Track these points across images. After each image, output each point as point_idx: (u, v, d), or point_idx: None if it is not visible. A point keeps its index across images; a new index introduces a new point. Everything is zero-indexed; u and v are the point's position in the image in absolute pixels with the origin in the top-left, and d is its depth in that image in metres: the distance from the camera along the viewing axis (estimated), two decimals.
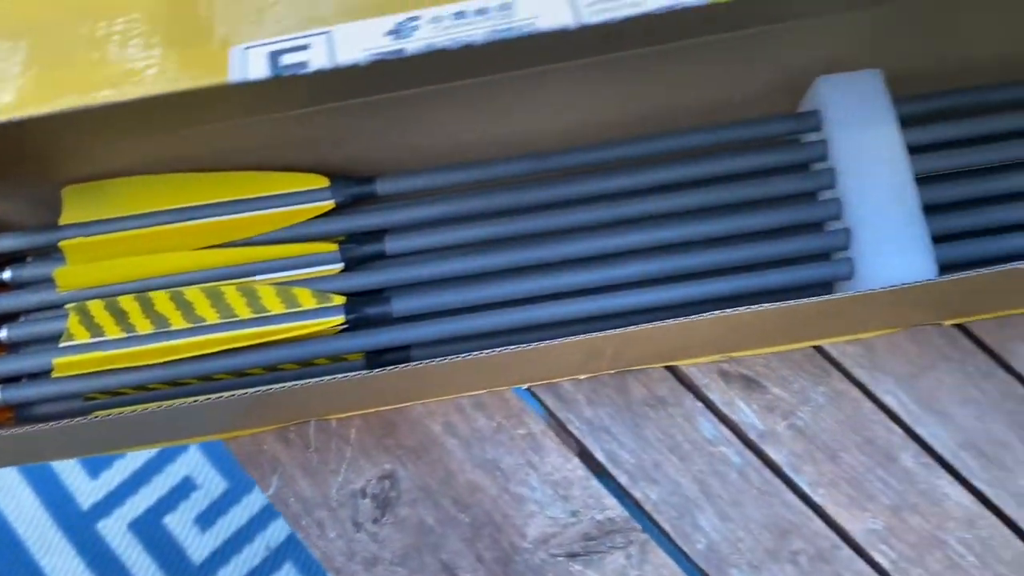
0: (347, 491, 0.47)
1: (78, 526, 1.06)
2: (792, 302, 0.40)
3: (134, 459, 1.08)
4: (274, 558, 1.03)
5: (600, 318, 0.47)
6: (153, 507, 1.06)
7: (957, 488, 0.46)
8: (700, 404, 0.48)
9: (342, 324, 0.45)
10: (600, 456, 0.47)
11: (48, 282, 0.48)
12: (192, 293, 0.46)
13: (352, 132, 0.48)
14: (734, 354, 0.49)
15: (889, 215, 0.45)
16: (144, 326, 0.45)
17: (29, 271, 0.48)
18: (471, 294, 0.47)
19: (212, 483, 1.07)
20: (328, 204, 0.48)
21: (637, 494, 0.46)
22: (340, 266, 0.47)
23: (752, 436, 0.47)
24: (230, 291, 0.46)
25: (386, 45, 0.29)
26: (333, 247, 0.47)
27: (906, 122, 0.46)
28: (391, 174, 0.49)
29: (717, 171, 0.48)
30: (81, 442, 0.45)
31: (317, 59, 0.29)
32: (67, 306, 0.46)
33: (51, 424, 0.40)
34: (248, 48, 0.30)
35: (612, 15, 0.29)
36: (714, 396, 0.48)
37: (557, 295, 0.47)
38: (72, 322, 0.45)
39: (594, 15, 0.30)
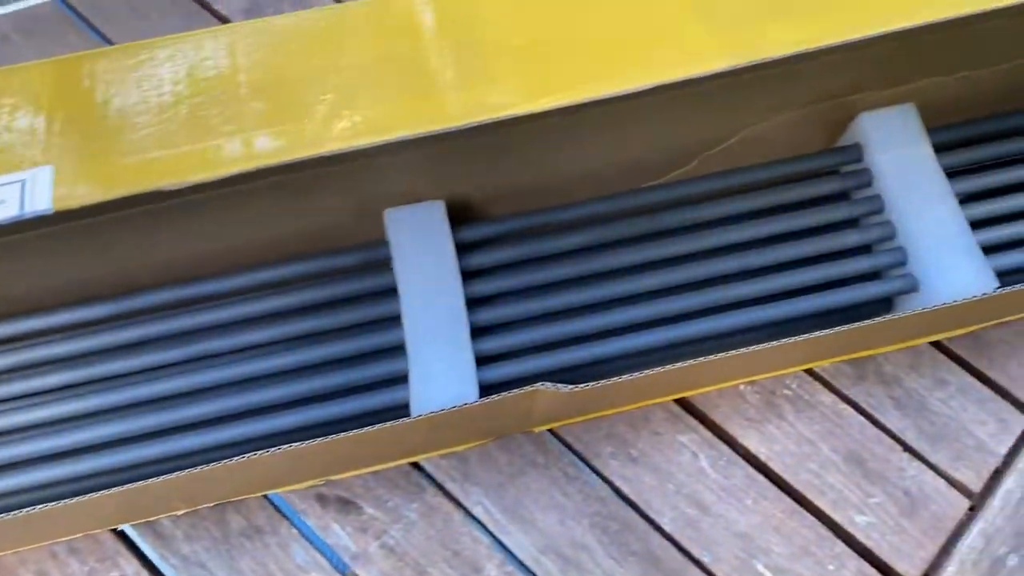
0: None
1: None
2: (367, 429, 0.41)
3: None
4: None
5: (197, 452, 0.48)
6: None
7: None
8: (295, 531, 0.49)
9: None
10: None
11: None
12: None
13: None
14: (332, 477, 0.50)
15: None
16: None
17: None
18: (57, 441, 0.47)
19: None
20: None
21: None
22: None
23: (345, 558, 0.49)
24: None
25: None
26: None
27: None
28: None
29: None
30: None
31: None
32: None
33: None
34: None
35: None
36: (310, 521, 0.49)
37: (145, 435, 0.48)
38: None
39: None
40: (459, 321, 0.47)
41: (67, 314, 0.49)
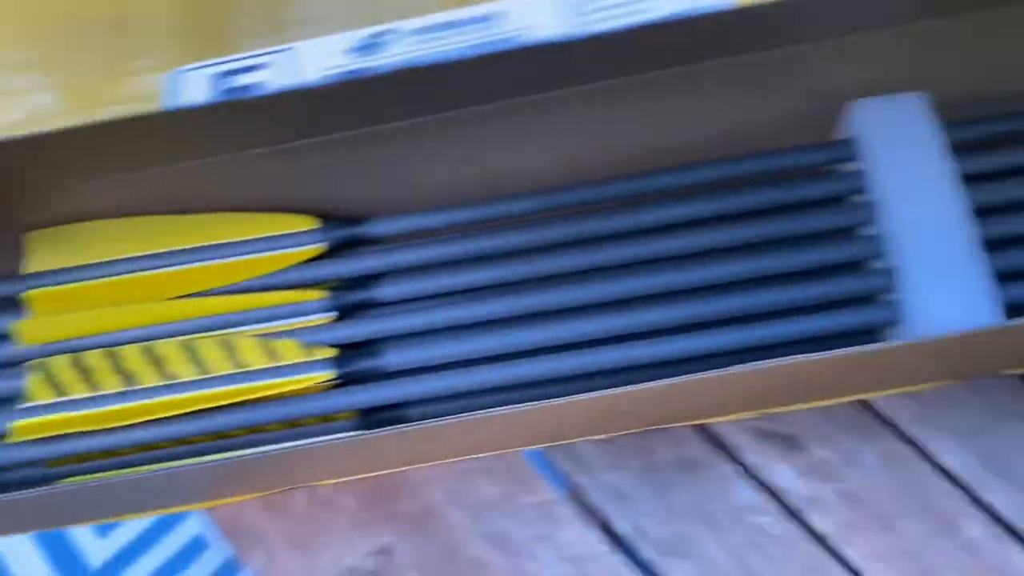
0: (339, 567, 0.42)
1: None
2: (835, 352, 0.35)
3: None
4: None
5: (618, 371, 0.42)
6: (165, 567, 1.02)
7: None
8: (735, 467, 0.43)
9: (331, 379, 0.41)
10: (623, 528, 0.42)
11: (5, 337, 0.44)
12: (165, 347, 0.41)
13: (342, 169, 0.44)
14: (770, 410, 0.44)
15: (940, 252, 0.39)
16: (112, 384, 0.40)
17: None
18: (473, 345, 0.42)
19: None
20: (317, 248, 0.43)
21: (666, 571, 0.41)
22: (329, 315, 0.43)
23: (795, 503, 0.42)
24: (207, 345, 0.41)
25: (351, 63, 0.25)
26: (322, 295, 0.43)
27: (957, 149, 0.41)
28: (385, 214, 0.45)
29: (743, 206, 0.43)
30: (39, 515, 0.41)
31: (277, 79, 0.25)
32: (27, 364, 0.42)
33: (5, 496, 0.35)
34: (188, 71, 0.26)
35: (613, 24, 0.25)
36: (750, 458, 0.43)
37: (569, 346, 0.42)
38: (33, 381, 0.41)
39: (593, 24, 0.25)
40: (961, 229, 0.40)
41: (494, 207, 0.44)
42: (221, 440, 0.42)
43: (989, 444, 0.42)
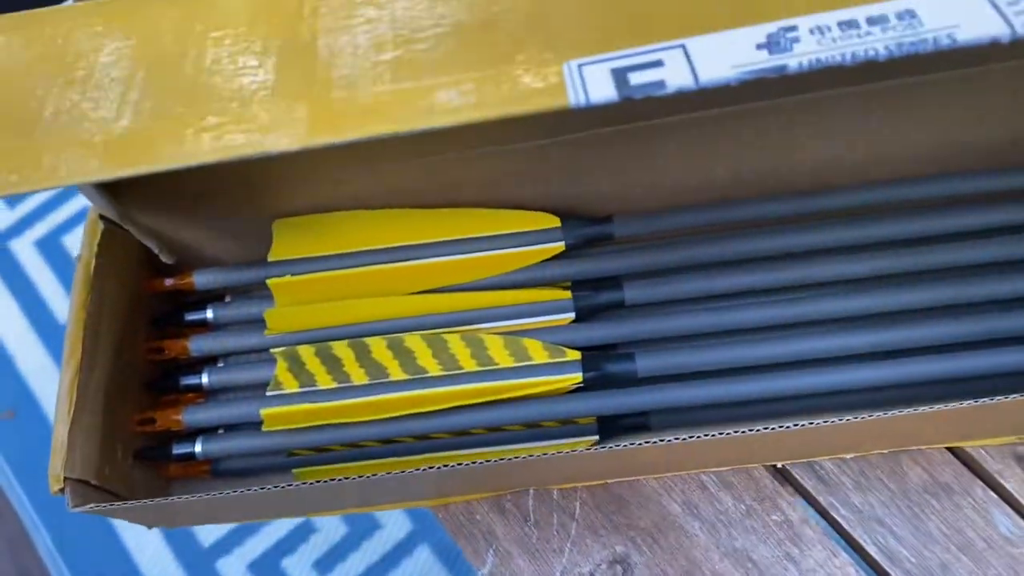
0: (573, 574, 0.41)
1: (198, 563, 1.03)
2: None
3: None
4: None
5: (875, 389, 0.40)
6: (272, 548, 1.03)
7: None
8: (994, 494, 0.41)
9: (578, 383, 0.40)
10: (873, 551, 0.40)
11: (251, 324, 0.43)
12: (412, 341, 0.40)
13: (588, 167, 0.43)
14: None
15: None
16: (359, 376, 0.40)
17: (233, 310, 0.44)
18: (725, 354, 0.40)
19: (332, 527, 1.03)
20: (558, 246, 0.42)
21: None
22: (572, 315, 0.42)
23: None
24: (454, 340, 0.40)
25: (763, 61, 0.24)
26: (566, 294, 0.42)
27: None
28: (629, 214, 0.43)
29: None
30: (274, 506, 0.41)
31: (675, 78, 0.24)
32: (275, 351, 0.41)
33: (252, 489, 0.35)
34: (583, 65, 0.25)
35: None
36: (1011, 485, 0.41)
37: (825, 360, 0.40)
38: (280, 369, 0.40)
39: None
40: None
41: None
42: (461, 436, 0.41)
43: None
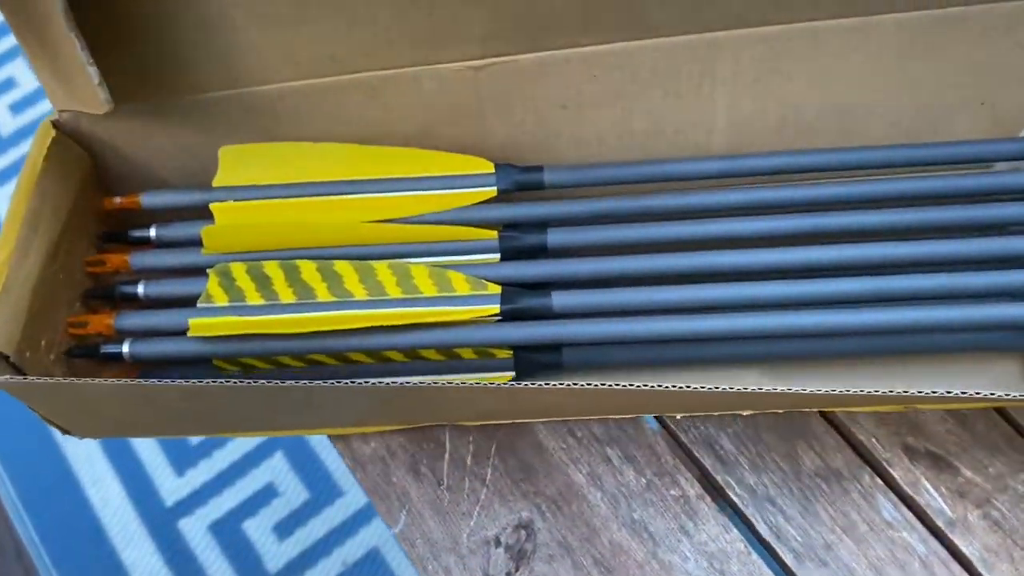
0: (479, 537, 0.43)
1: (160, 522, 1.05)
2: None
3: (220, 460, 1.07)
4: (351, 574, 1.00)
5: (780, 336, 0.42)
6: (234, 510, 1.05)
7: None
8: (880, 481, 0.43)
9: (496, 314, 0.42)
10: (763, 529, 0.42)
11: (192, 244, 0.46)
12: (342, 266, 0.43)
13: (518, 100, 0.46)
14: (919, 406, 0.43)
15: None
16: (287, 295, 0.42)
17: (176, 231, 0.47)
18: (638, 297, 0.42)
19: (294, 492, 1.05)
20: (491, 191, 0.45)
21: None
22: (497, 256, 0.45)
23: (939, 523, 0.42)
24: (382, 268, 0.43)
25: None
26: (492, 234, 0.45)
27: None
28: (559, 165, 0.46)
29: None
30: (181, 414, 0.43)
31: None
32: (209, 269, 0.44)
33: (176, 382, 0.37)
34: None
35: None
36: (897, 473, 0.43)
37: (734, 307, 0.42)
38: (212, 284, 0.42)
39: None
40: None
41: None
42: (382, 363, 0.43)
43: None
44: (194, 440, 1.09)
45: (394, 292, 0.42)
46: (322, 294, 0.42)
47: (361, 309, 0.41)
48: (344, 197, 0.45)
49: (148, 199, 0.47)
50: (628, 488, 0.43)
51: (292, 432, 0.46)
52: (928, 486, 0.43)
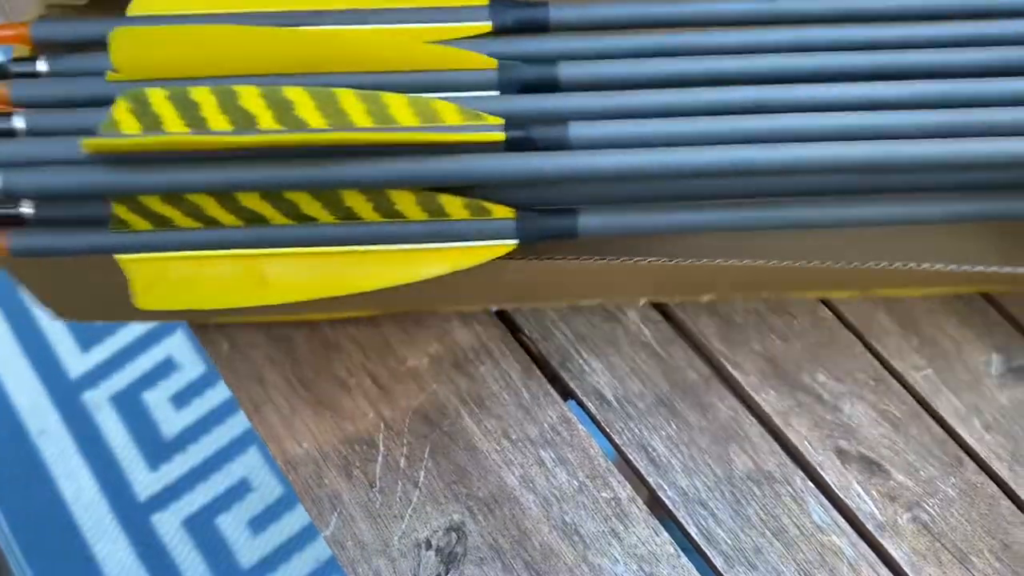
0: (410, 540, 0.43)
1: (134, 516, 1.05)
2: None
3: (195, 454, 1.08)
4: (323, 571, 1.01)
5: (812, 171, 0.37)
6: (208, 505, 1.05)
7: None
8: (812, 484, 0.43)
9: (500, 140, 0.35)
10: (694, 532, 0.42)
11: (94, 76, 0.37)
12: (293, 92, 0.34)
13: None
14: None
15: None
16: (219, 123, 0.34)
17: (74, 63, 0.38)
18: (660, 128, 0.36)
19: (268, 487, 1.06)
20: (485, 26, 0.38)
21: None
22: (496, 93, 0.37)
23: (869, 526, 0.42)
24: (346, 95, 0.34)
25: None
26: (491, 63, 0.37)
27: None
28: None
29: None
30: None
31: None
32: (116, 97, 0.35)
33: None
34: None
35: None
36: (828, 477, 0.43)
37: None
38: (119, 108, 0.34)
39: None
40: None
41: None
42: (349, 225, 0.36)
43: None
44: (168, 435, 1.09)
45: (362, 122, 0.34)
46: (266, 123, 0.34)
47: (317, 133, 0.34)
48: (299, 30, 0.36)
49: (40, 29, 0.37)
50: (560, 491, 0.43)
51: (219, 311, 0.38)
52: (859, 489, 0.42)
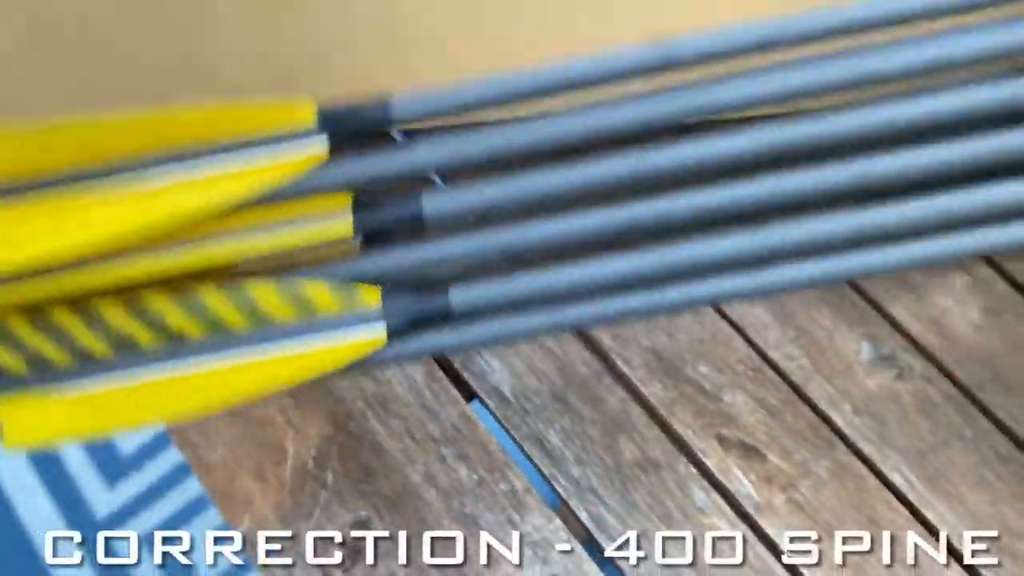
0: (319, 537, 0.45)
1: (91, 534, 1.06)
2: None
3: (151, 472, 1.10)
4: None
5: None
6: (167, 520, 1.07)
7: None
8: (695, 470, 0.46)
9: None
10: (584, 518, 0.45)
11: None
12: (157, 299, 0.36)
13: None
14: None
15: None
16: (90, 341, 0.36)
17: None
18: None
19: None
20: (318, 149, 0.33)
21: (623, 563, 0.44)
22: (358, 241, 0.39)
23: (748, 508, 0.45)
24: (209, 292, 0.36)
25: None
26: (345, 201, 0.36)
27: None
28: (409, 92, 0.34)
29: None
30: None
31: None
32: None
33: None
34: None
35: None
36: (710, 462, 0.46)
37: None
38: None
39: None
40: None
41: None
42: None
43: (933, 464, 0.45)
44: (125, 451, 1.11)
45: (234, 320, 0.36)
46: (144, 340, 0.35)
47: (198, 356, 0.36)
48: (108, 192, 0.31)
49: None
50: (461, 485, 0.46)
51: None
52: (739, 474, 0.45)
